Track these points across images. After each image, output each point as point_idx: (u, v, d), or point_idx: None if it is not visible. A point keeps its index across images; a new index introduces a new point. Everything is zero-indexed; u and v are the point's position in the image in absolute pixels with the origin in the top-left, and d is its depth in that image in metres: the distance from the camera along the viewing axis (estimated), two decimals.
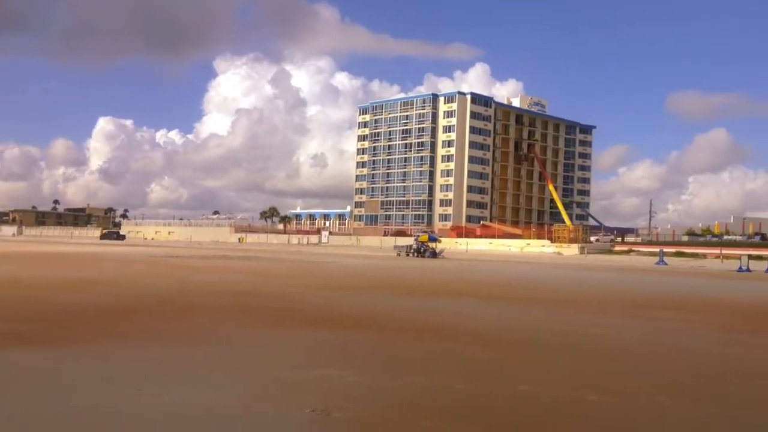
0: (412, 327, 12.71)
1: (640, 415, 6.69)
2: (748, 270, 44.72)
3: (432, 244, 59.36)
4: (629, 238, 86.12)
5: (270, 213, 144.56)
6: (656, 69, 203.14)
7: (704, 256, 65.05)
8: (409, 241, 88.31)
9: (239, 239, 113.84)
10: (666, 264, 54.14)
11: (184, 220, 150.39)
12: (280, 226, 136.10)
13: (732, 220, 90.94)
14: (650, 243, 76.74)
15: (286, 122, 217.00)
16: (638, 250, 72.80)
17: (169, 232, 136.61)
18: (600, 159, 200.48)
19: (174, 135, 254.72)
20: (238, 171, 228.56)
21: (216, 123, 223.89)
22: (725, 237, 77.14)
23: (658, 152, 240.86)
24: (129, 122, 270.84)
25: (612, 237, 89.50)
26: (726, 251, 62.22)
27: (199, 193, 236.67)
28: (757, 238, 76.33)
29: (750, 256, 49.36)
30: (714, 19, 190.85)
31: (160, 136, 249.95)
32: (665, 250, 63.85)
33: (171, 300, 16.59)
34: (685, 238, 79.85)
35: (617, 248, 77.15)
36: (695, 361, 10.02)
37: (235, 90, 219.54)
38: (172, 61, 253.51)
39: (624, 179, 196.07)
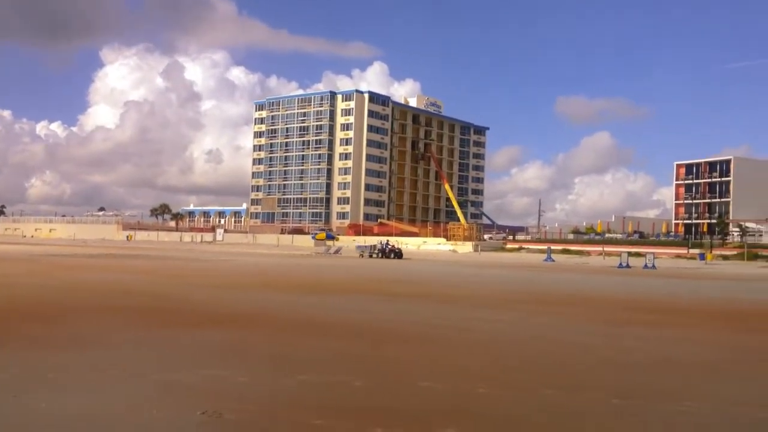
0: (308, 325, 12.58)
1: (528, 407, 6.88)
2: (627, 266, 47.59)
3: (394, 244, 59.55)
4: (520, 236, 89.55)
5: (161, 210, 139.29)
6: (546, 73, 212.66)
7: (588, 253, 68.68)
8: (307, 240, 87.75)
9: (127, 237, 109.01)
10: (554, 261, 56.72)
11: (67, 217, 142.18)
12: (172, 224, 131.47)
13: (613, 219, 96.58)
14: (539, 241, 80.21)
15: (179, 116, 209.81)
16: (528, 248, 75.86)
17: (50, 230, 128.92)
18: (493, 159, 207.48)
19: (56, 127, 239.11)
20: (126, 166, 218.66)
21: (103, 115, 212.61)
22: (607, 235, 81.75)
23: (548, 154, 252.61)
24: (7, 113, 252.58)
25: (504, 235, 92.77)
26: (608, 248, 65.96)
27: (84, 188, 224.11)
28: (636, 236, 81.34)
29: (629, 254, 52.58)
30: (601, 26, 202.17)
31: (41, 128, 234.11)
32: (553, 247, 66.94)
33: (53, 301, 15.61)
34: (571, 236, 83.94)
35: (509, 246, 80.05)
36: (579, 353, 10.49)
37: (123, 81, 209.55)
38: (55, 49, 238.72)
39: (516, 179, 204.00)
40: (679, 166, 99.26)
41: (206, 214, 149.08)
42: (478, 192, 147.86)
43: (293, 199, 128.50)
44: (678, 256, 62.28)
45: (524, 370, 8.83)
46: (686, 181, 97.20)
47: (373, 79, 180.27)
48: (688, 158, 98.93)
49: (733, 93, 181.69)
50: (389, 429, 5.90)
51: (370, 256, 56.46)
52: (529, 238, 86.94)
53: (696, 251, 61.56)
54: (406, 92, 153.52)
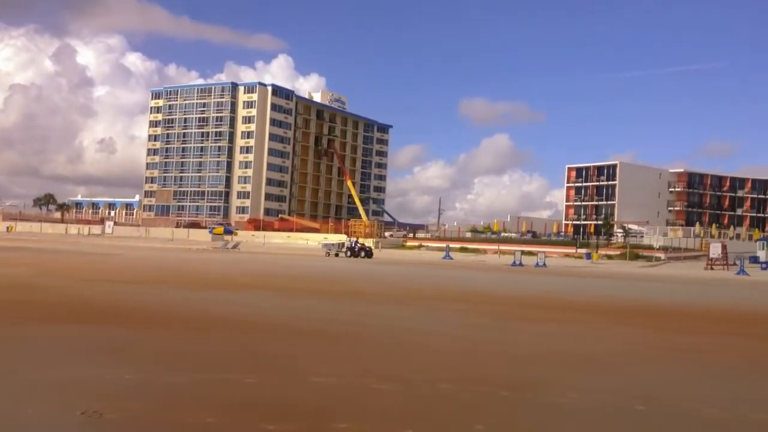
0: (202, 321, 12.20)
1: (423, 401, 6.94)
2: (520, 264, 49.44)
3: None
4: (420, 234, 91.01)
5: (45, 200, 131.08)
6: (451, 74, 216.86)
7: (485, 251, 70.79)
8: (204, 235, 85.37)
9: (8, 228, 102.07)
10: (452, 258, 58.04)
11: None
12: (57, 215, 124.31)
13: (509, 219, 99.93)
14: (439, 239, 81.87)
15: (69, 102, 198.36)
16: (428, 246, 77.24)
17: None
18: (397, 157, 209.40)
19: None
20: (9, 153, 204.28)
21: None
22: (503, 234, 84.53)
23: (450, 153, 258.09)
24: None
25: (405, 232, 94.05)
26: (503, 247, 68.24)
27: None
28: (529, 236, 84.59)
29: (522, 252, 54.62)
30: (505, 30, 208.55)
31: None
32: (451, 245, 68.47)
33: None
34: (469, 235, 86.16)
35: (409, 243, 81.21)
36: (473, 347, 10.73)
37: (9, 63, 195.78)
38: None
39: (418, 178, 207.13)
40: (570, 170, 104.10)
41: (95, 206, 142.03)
42: (380, 189, 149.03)
43: (190, 191, 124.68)
44: (567, 255, 65.31)
45: (420, 365, 8.91)
46: (576, 184, 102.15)
47: (278, 72, 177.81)
48: (579, 162, 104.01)
49: (623, 101, 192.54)
50: (281, 425, 5.77)
51: (336, 255, 54.82)
52: (429, 236, 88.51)
53: (583, 251, 64.76)
54: (311, 87, 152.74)
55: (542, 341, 11.51)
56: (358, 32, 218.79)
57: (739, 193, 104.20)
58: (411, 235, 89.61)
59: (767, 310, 20.97)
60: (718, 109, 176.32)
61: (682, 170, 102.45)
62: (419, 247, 78.09)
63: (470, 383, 7.74)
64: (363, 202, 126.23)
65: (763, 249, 60.33)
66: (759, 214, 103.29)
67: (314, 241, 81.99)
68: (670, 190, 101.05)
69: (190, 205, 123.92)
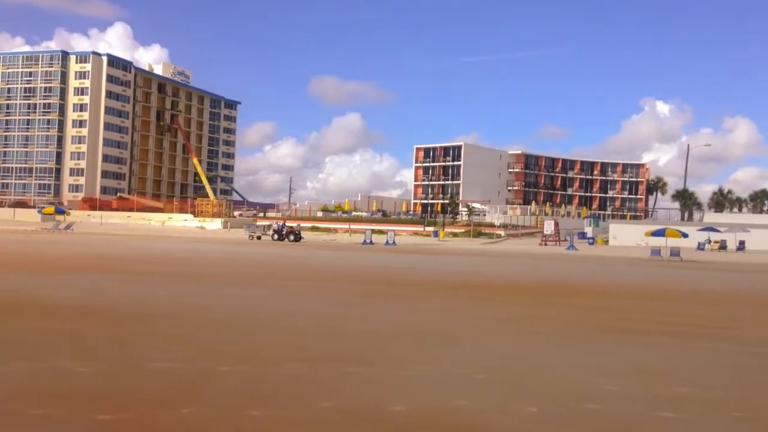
0: (30, 307, 11.00)
1: (271, 382, 6.74)
2: (371, 243, 50.12)
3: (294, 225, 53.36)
4: (271, 214, 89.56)
5: None
6: (302, 51, 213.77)
7: (336, 230, 71.10)
8: (32, 215, 78.43)
9: None
10: (303, 238, 57.68)
11: None
12: None
13: (359, 198, 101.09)
14: (289, 218, 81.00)
15: None
16: None
17: None
18: (246, 135, 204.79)
19: None
20: None
21: None
22: (354, 213, 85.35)
23: (301, 132, 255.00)
24: None
25: (255, 212, 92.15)
26: (354, 226, 68.90)
27: None
28: (379, 215, 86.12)
29: (373, 231, 55.40)
30: (352, 8, 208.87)
31: None
32: (303, 224, 68.01)
33: None
34: (320, 214, 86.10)
35: (259, 223, 79.75)
36: (324, 325, 10.53)
37: None
38: None
39: (269, 156, 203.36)
40: (418, 150, 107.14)
41: None
42: (228, 167, 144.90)
43: (15, 168, 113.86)
44: (416, 233, 67.24)
45: (271, 345, 8.61)
46: (424, 164, 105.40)
47: (115, 41, 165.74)
48: (427, 142, 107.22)
49: (467, 83, 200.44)
50: (117, 415, 5.30)
51: (259, 238, 51.74)
52: (279, 215, 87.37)
53: (431, 229, 67.03)
54: (152, 59, 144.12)
55: (396, 318, 11.56)
56: (205, 2, 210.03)
57: (570, 174, 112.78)
58: (261, 214, 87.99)
59: (593, 282, 22.67)
60: (554, 94, 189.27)
61: (520, 152, 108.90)
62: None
63: (322, 361, 7.63)
64: (210, 180, 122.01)
65: (589, 226, 65.86)
66: (586, 194, 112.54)
67: (157, 221, 78.07)
68: (510, 170, 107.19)
69: (15, 183, 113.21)
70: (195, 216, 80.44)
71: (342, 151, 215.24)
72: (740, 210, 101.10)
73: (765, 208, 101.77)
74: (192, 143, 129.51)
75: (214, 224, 75.51)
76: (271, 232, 52.39)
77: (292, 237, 51.00)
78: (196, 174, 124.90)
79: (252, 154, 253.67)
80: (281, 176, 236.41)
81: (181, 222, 78.29)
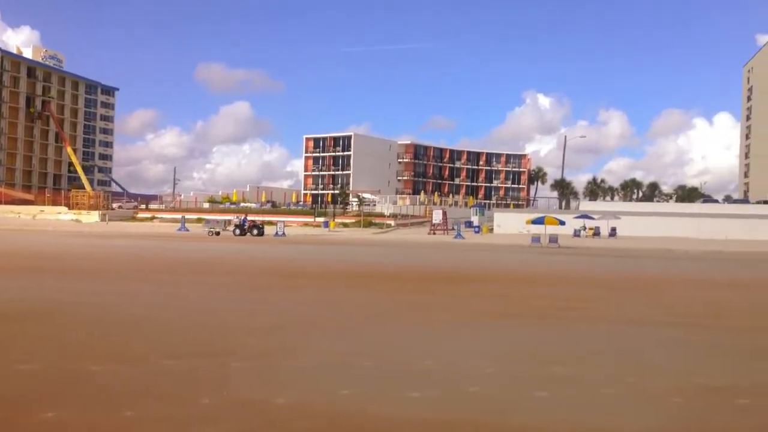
0: None
1: (146, 380, 6.44)
2: (218, 234, 48.84)
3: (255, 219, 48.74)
4: (153, 205, 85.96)
5: None
6: (186, 36, 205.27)
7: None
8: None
9: None
10: (188, 230, 55.82)
11: None
12: None
13: (248, 189, 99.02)
14: (174, 210, 78.14)
15: None
16: (162, 217, 73.35)
17: None
18: (127, 123, 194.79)
19: None
20: None
21: None
22: (242, 204, 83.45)
23: (187, 121, 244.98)
24: None
25: (136, 204, 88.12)
26: (207, 216, 67.17)
27: None
28: (269, 205, 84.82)
29: (262, 222, 54.39)
30: None
31: None
32: (188, 216, 65.84)
33: None
34: (207, 205, 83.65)
35: (141, 215, 76.35)
36: (210, 320, 10.19)
37: None
38: None
39: (152, 145, 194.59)
40: (308, 140, 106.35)
41: None
42: (106, 157, 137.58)
43: None
44: (306, 224, 66.70)
45: (149, 342, 8.23)
46: (314, 154, 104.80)
47: None
48: (319, 132, 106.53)
49: (359, 74, 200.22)
50: None
51: (217, 234, 48.21)
52: (163, 207, 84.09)
53: (321, 219, 66.80)
54: (21, 41, 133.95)
55: (281, 310, 11.40)
56: None
57: (457, 164, 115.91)
58: (143, 206, 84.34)
59: (477, 269, 23.39)
60: (443, 86, 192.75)
61: (409, 142, 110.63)
62: (152, 218, 73.87)
63: (202, 357, 7.41)
64: (86, 170, 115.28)
65: (476, 215, 67.92)
66: (473, 183, 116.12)
67: (28, 214, 73.06)
68: (399, 160, 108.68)
69: None
70: (70, 209, 75.81)
71: (230, 141, 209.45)
72: (612, 198, 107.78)
73: (634, 197, 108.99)
74: (66, 131, 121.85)
75: (91, 217, 71.50)
76: (232, 227, 50.23)
77: (255, 231, 48.93)
78: (70, 164, 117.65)
79: (133, 143, 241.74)
80: (165, 166, 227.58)
81: (54, 215, 73.55)
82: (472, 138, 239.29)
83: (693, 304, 14.08)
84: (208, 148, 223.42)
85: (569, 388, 6.39)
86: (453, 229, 56.71)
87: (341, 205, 78.61)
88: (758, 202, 69.62)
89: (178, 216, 66.10)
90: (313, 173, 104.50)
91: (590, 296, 14.96)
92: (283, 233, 49.56)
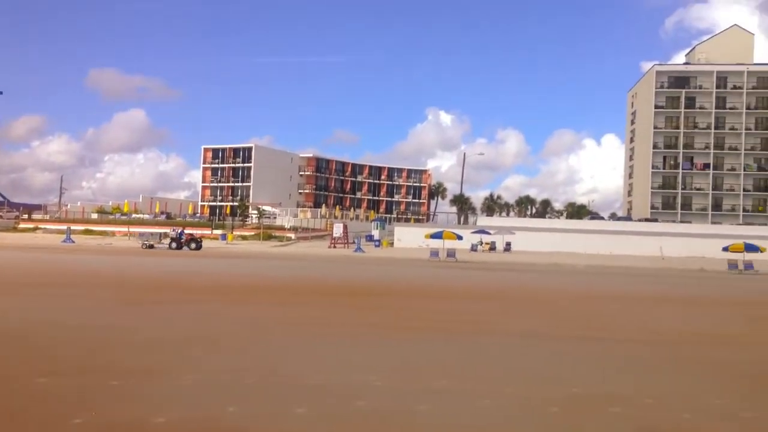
0: None
1: (17, 399, 6.01)
2: (152, 247, 47.32)
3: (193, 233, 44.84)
4: (37, 215, 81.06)
5: None
6: (77, 40, 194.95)
7: (113, 233, 66.26)
8: None
9: None
10: (74, 242, 53.00)
11: None
12: None
13: (141, 200, 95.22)
14: (59, 220, 74.00)
15: None
16: (46, 228, 69.33)
17: None
18: (10, 129, 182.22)
19: None
20: None
21: None
22: (135, 215, 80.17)
23: (76, 127, 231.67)
24: None
25: (17, 214, 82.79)
26: (134, 229, 64.72)
27: None
28: (163, 217, 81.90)
29: (161, 234, 52.33)
30: (139, 2, 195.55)
31: None
32: (75, 227, 62.56)
33: None
34: (96, 216, 79.75)
35: (23, 226, 71.82)
36: (87, 335, 9.66)
37: None
38: None
39: (38, 153, 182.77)
40: (206, 150, 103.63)
41: None
42: None
43: None
44: (203, 236, 64.86)
45: (17, 358, 7.67)
46: (213, 165, 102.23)
47: None
48: (219, 143, 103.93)
49: (263, 86, 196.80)
50: None
51: (151, 247, 45.38)
52: (47, 217, 79.46)
53: (219, 232, 65.17)
54: None
55: (166, 325, 10.97)
56: None
57: (359, 178, 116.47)
58: (26, 216, 79.34)
59: (374, 283, 23.48)
60: (347, 100, 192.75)
61: (311, 155, 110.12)
62: (35, 229, 69.61)
63: (76, 375, 6.94)
64: None
65: (376, 229, 68.41)
66: (374, 197, 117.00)
67: None
68: (301, 173, 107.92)
69: None
70: None
71: (124, 150, 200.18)
72: (508, 214, 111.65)
73: (528, 213, 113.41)
74: None
75: None
76: (168, 241, 48.01)
77: (193, 245, 47.06)
78: None
79: (17, 150, 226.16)
80: (52, 175, 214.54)
81: None
82: (375, 152, 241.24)
83: (578, 316, 14.70)
84: (99, 157, 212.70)
85: (451, 400, 6.48)
86: (353, 242, 56.81)
87: (240, 218, 77.08)
88: (639, 220, 74.05)
89: (64, 227, 62.55)
90: (212, 184, 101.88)
91: (484, 309, 15.31)
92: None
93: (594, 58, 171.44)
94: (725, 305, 19.01)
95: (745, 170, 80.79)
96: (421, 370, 7.88)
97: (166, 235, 50.26)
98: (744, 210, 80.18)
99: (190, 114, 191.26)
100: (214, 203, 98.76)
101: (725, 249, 43.97)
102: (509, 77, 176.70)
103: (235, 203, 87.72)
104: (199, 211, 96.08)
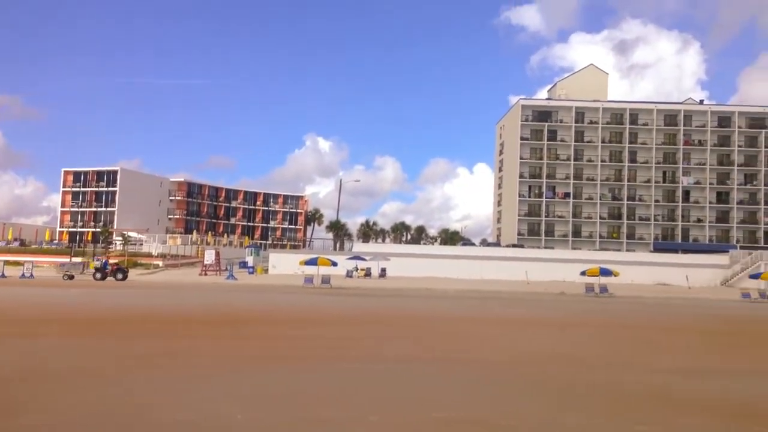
0: None
1: None
2: (3, 276, 43.50)
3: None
4: None
5: None
6: None
7: None
8: None
9: None
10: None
11: None
12: None
13: None
14: None
15: None
16: None
17: None
18: None
19: None
20: None
21: None
22: None
23: None
24: None
25: None
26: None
27: None
28: (16, 244, 75.85)
29: (6, 262, 48.29)
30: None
31: None
32: None
33: None
34: None
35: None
36: None
37: None
38: None
39: None
40: (67, 173, 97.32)
41: None
42: None
43: None
44: (61, 264, 60.68)
45: None
46: (74, 189, 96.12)
47: None
48: (84, 166, 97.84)
49: (131, 108, 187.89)
50: None
51: (71, 278, 42.53)
52: None
53: (78, 260, 61.12)
54: None
55: (28, 359, 9.96)
56: None
57: (233, 204, 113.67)
58: None
59: (245, 311, 22.71)
60: (224, 125, 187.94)
61: (182, 179, 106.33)
62: None
63: None
64: None
65: (250, 255, 66.84)
66: (249, 223, 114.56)
67: None
68: (171, 198, 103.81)
69: None
70: None
71: None
72: (384, 240, 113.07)
73: (404, 239, 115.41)
74: None
75: None
76: (93, 270, 44.85)
77: (120, 276, 44.53)
78: None
79: None
80: None
81: None
82: (252, 177, 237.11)
83: (447, 340, 14.85)
84: None
85: (314, 430, 6.17)
86: (226, 269, 55.13)
87: (103, 244, 72.80)
88: (507, 246, 77.37)
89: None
90: (72, 209, 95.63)
91: (356, 335, 15.13)
92: (31, 275, 44.35)
93: (468, 90, 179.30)
94: (583, 327, 19.99)
95: (600, 199, 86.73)
96: (289, 400, 7.58)
97: (87, 264, 48.40)
98: (600, 236, 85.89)
99: (53, 135, 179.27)
100: (74, 229, 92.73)
101: (583, 273, 46.74)
102: (388, 106, 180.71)
103: (98, 229, 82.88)
104: (57, 238, 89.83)
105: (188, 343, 12.78)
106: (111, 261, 48.93)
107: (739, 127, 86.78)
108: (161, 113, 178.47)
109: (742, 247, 76.37)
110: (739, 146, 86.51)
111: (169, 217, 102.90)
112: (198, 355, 11.09)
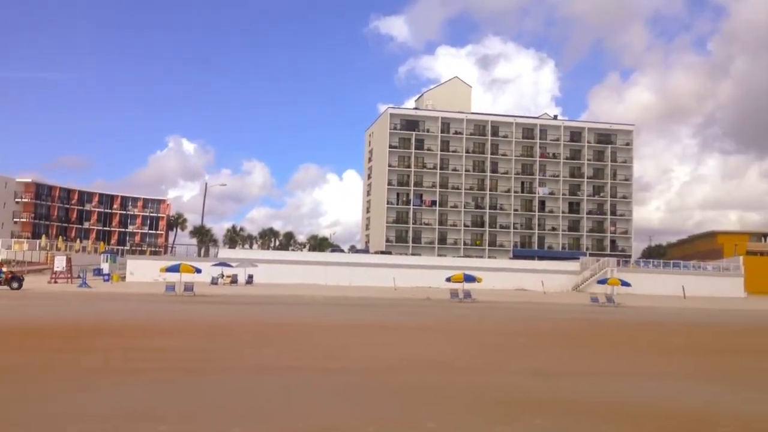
0: None
1: None
2: None
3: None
4: None
5: None
6: None
7: None
8: None
9: None
10: None
11: None
12: None
13: None
14: None
15: None
16: None
17: None
18: None
19: None
20: None
21: None
22: None
23: None
24: None
25: None
26: None
27: None
28: None
29: None
30: None
31: None
32: None
33: None
34: None
35: None
36: None
37: None
38: None
39: None
40: None
41: None
42: None
43: None
44: None
45: None
46: None
47: None
48: None
49: None
50: None
51: None
52: None
53: None
54: None
55: None
56: None
57: (87, 207, 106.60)
58: None
59: (99, 321, 21.30)
60: (73, 121, 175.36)
61: (30, 180, 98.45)
62: None
63: None
64: None
65: (106, 262, 62.99)
66: (105, 228, 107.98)
67: None
68: (17, 200, 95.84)
69: None
70: None
71: None
72: (251, 246, 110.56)
73: (272, 245, 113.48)
74: None
75: None
76: None
77: (15, 284, 40.43)
78: None
79: None
80: None
81: None
82: (110, 179, 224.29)
83: (313, 347, 14.60)
84: None
85: None
86: (79, 276, 51.52)
87: None
88: (376, 252, 78.29)
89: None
90: None
91: (216, 346, 14.51)
92: None
93: (338, 96, 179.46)
94: (446, 332, 20.46)
95: (465, 208, 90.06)
96: (141, 415, 7.02)
97: None
98: (464, 243, 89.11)
99: None
100: None
101: (448, 279, 48.13)
102: (257, 110, 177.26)
103: None
104: None
105: (33, 357, 11.64)
106: (4, 269, 43.78)
107: (589, 142, 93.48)
108: (6, 108, 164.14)
109: (591, 255, 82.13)
110: (589, 160, 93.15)
111: (15, 220, 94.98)
112: (43, 370, 10.11)
